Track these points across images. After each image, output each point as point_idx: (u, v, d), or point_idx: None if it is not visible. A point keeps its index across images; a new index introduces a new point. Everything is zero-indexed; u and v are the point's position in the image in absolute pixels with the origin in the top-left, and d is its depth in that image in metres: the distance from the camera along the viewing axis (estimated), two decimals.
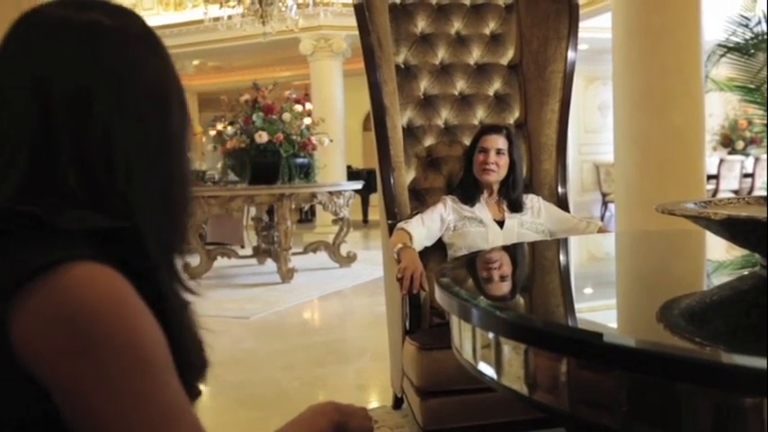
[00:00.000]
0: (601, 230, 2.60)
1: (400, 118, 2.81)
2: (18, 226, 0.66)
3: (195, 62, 11.30)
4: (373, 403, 2.97)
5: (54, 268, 0.63)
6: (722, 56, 6.00)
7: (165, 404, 0.65)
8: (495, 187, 2.60)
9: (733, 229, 1.24)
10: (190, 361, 0.74)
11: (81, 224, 0.67)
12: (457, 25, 2.99)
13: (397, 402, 2.74)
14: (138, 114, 0.75)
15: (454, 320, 1.31)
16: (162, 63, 0.79)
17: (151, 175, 0.75)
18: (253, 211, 6.90)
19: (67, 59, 0.71)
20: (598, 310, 1.37)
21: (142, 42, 0.77)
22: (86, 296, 0.63)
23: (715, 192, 8.97)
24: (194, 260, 6.48)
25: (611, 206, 9.72)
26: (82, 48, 0.72)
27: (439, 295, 1.31)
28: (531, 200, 2.64)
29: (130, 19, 0.78)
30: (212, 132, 6.70)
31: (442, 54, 2.95)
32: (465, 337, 1.22)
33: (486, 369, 1.12)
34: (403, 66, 2.88)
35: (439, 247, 2.57)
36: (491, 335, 1.09)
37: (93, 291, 0.63)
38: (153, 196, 0.76)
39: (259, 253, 6.87)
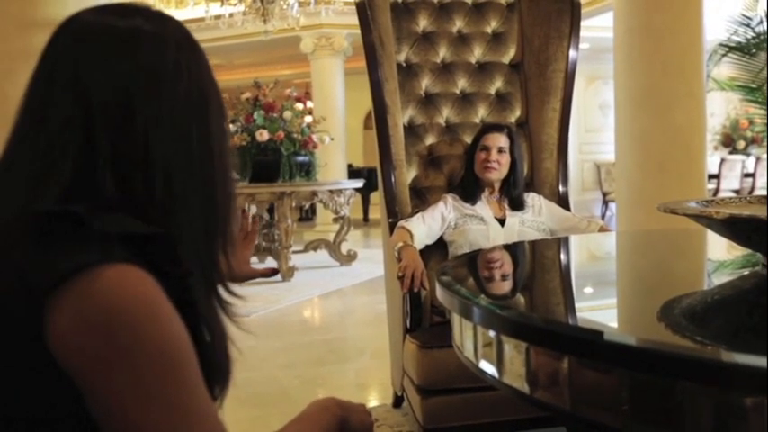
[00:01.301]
0: (602, 229, 2.60)
1: (401, 116, 2.81)
2: (59, 227, 0.67)
3: None
4: (373, 402, 2.97)
5: (89, 270, 0.64)
6: (724, 55, 6.00)
7: (193, 408, 0.66)
8: (497, 185, 2.60)
9: (735, 229, 1.24)
10: (213, 369, 0.74)
11: (117, 227, 0.68)
12: (458, 24, 2.98)
13: (398, 401, 2.73)
14: (179, 121, 0.75)
15: (455, 319, 1.31)
16: (201, 68, 0.80)
17: (193, 180, 0.76)
18: (253, 209, 6.88)
19: (108, 66, 0.72)
20: (599, 309, 1.37)
21: (182, 48, 0.78)
22: (118, 299, 0.64)
23: (716, 191, 8.97)
24: None
25: (612, 205, 9.73)
26: (123, 54, 0.73)
27: (440, 293, 1.31)
28: (532, 198, 2.64)
29: (170, 25, 0.78)
30: None
31: (443, 52, 2.94)
32: (466, 336, 1.22)
33: (488, 367, 1.12)
34: (404, 64, 2.88)
35: (440, 245, 2.57)
36: (492, 333, 1.09)
37: (125, 294, 0.64)
38: (193, 202, 0.76)
39: (259, 251, 6.86)
